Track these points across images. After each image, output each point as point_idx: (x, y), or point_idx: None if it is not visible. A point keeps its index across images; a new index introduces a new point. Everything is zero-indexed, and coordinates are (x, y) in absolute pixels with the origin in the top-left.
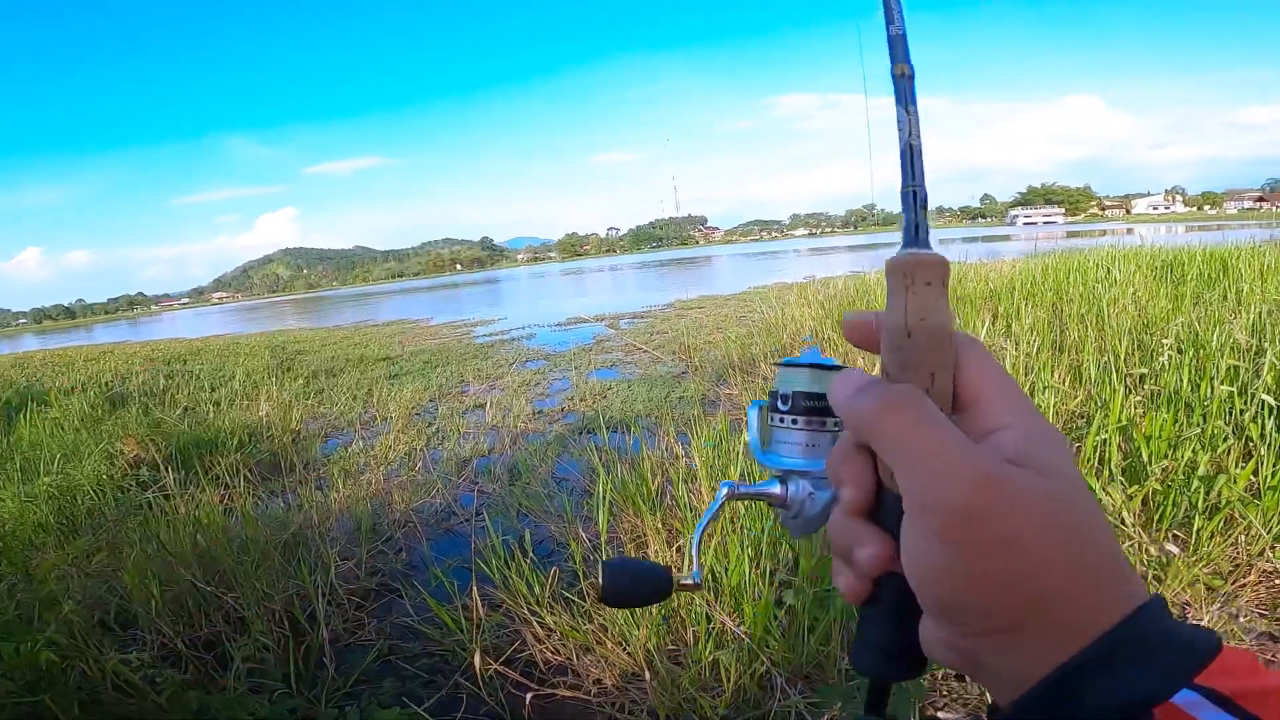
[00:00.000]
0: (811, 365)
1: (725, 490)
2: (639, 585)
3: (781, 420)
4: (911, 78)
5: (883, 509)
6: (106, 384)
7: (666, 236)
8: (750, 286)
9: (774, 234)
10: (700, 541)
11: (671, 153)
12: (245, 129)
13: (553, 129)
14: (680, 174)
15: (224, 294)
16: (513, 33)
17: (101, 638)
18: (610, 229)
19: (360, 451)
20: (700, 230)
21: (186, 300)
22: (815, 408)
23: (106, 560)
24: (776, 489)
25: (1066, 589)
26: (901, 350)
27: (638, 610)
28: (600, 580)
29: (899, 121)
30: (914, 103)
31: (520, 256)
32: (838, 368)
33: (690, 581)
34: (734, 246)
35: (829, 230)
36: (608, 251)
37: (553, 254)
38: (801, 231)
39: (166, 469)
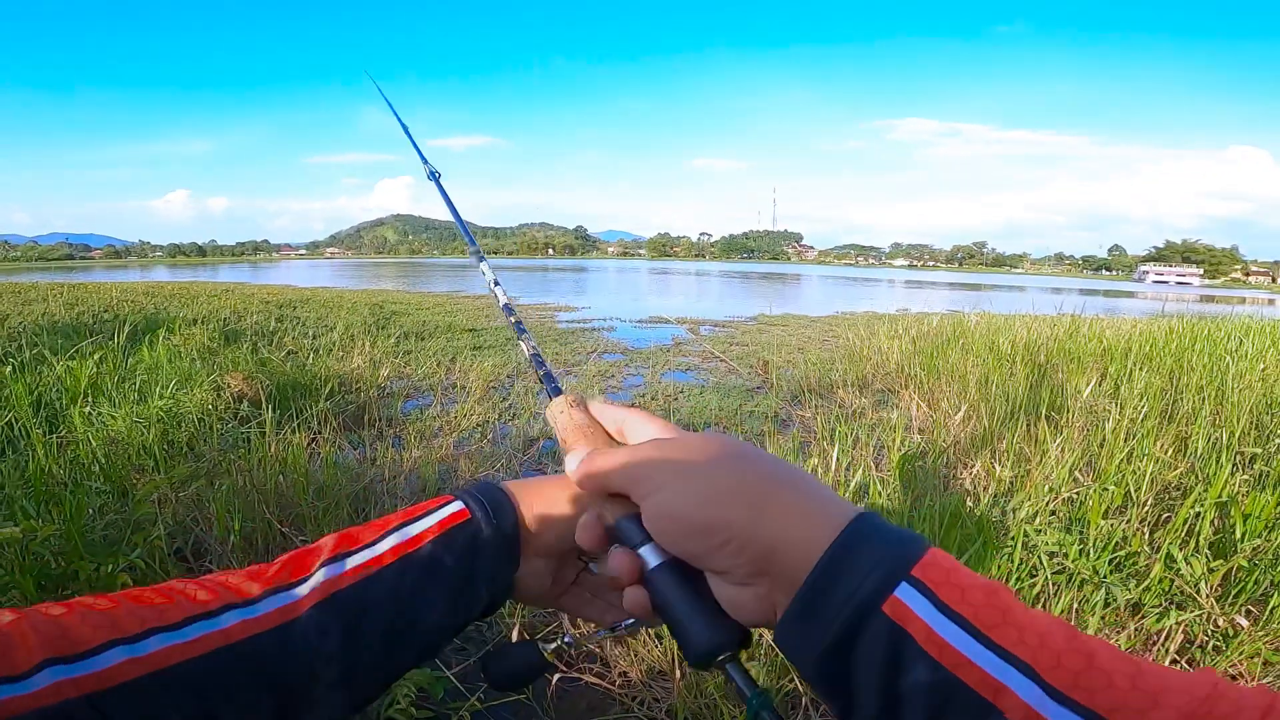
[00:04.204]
0: None
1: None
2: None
3: None
4: None
5: (622, 534)
6: (224, 320)
7: (758, 249)
8: (838, 311)
9: (871, 260)
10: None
11: (773, 165)
12: (380, 100)
13: (654, 127)
14: (779, 188)
15: (336, 250)
16: (624, 20)
17: (173, 567)
18: (702, 234)
19: (437, 416)
20: (794, 247)
21: (304, 252)
22: None
23: (201, 489)
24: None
25: (783, 535)
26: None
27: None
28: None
29: None
30: None
31: (611, 249)
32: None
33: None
34: (827, 268)
35: (932, 264)
36: (697, 256)
37: (642, 251)
38: (901, 262)
39: (266, 407)
